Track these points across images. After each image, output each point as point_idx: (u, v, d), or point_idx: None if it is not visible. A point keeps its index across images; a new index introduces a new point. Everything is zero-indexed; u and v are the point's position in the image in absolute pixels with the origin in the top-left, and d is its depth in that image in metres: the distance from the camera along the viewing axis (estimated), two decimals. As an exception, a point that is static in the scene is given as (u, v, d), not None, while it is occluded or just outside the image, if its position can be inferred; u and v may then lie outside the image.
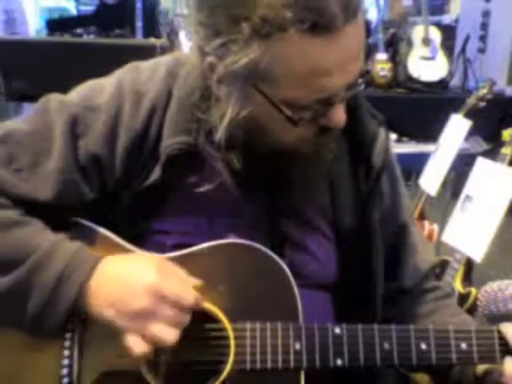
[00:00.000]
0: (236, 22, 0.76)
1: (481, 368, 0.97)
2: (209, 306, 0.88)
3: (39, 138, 0.91)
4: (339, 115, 0.86)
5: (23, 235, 0.86)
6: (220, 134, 0.88)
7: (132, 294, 0.82)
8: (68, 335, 0.87)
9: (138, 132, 0.93)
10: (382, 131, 1.03)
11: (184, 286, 0.84)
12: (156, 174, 0.93)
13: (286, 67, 0.78)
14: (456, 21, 5.15)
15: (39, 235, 0.87)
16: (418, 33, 3.97)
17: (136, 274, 0.84)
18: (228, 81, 0.83)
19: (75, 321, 0.87)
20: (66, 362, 0.86)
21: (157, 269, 0.84)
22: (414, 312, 1.08)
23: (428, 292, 1.11)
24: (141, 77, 0.96)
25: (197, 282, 0.86)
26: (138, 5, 4.28)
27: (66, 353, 0.87)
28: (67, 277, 0.84)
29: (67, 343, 0.87)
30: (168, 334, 0.81)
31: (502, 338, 0.92)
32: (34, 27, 6.53)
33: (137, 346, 0.81)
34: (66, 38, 4.44)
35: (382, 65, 3.93)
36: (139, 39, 4.20)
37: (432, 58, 3.93)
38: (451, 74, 4.13)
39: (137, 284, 0.82)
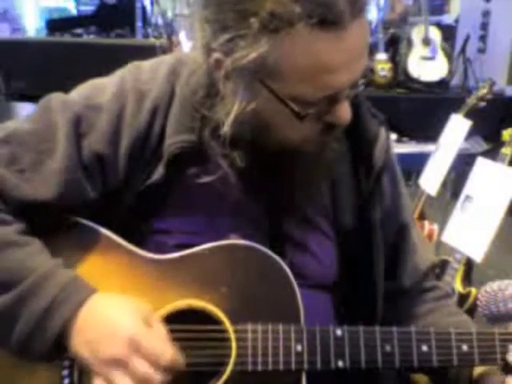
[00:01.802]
0: (244, 17, 0.77)
1: (477, 371, 0.98)
2: (210, 307, 0.88)
3: (42, 137, 0.91)
4: (344, 112, 0.87)
5: (20, 256, 0.85)
6: (226, 130, 0.87)
7: (110, 339, 0.81)
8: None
9: (141, 131, 0.93)
10: (382, 131, 1.03)
11: (164, 344, 0.82)
12: (159, 172, 0.93)
13: (293, 63, 0.79)
14: (456, 21, 5.15)
15: (36, 258, 0.86)
16: (418, 33, 3.97)
17: (120, 320, 0.83)
18: (235, 76, 0.83)
19: None
20: (67, 363, 0.86)
21: (141, 320, 0.83)
22: (412, 311, 1.08)
23: (427, 291, 1.11)
24: (143, 76, 0.96)
25: (175, 348, 0.83)
26: (138, 5, 4.28)
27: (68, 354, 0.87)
28: (56, 308, 0.83)
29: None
30: None
31: (503, 340, 0.92)
32: (33, 27, 6.53)
33: None
34: (66, 38, 4.43)
35: (382, 65, 3.94)
36: (139, 39, 4.20)
37: (432, 58, 3.94)
38: (451, 73, 4.13)
39: (118, 331, 0.81)
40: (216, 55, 0.83)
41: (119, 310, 0.84)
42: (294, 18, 0.75)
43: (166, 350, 0.81)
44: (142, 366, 0.80)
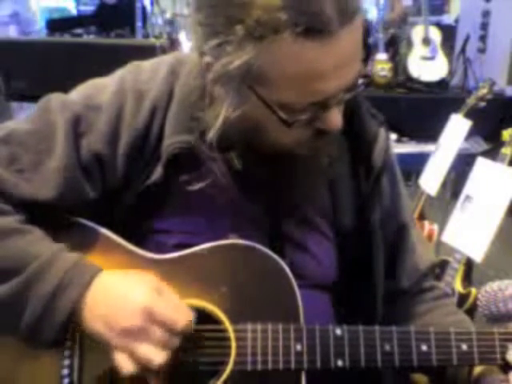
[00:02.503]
0: (232, 23, 0.76)
1: (477, 370, 0.98)
2: (210, 307, 0.89)
3: (41, 137, 0.91)
4: (335, 119, 0.86)
5: (23, 243, 0.86)
6: (212, 134, 0.88)
7: (125, 311, 0.82)
8: (69, 335, 0.87)
9: (140, 131, 0.93)
10: (382, 131, 1.03)
11: (177, 311, 0.83)
12: (157, 173, 0.93)
13: (279, 70, 0.78)
14: (456, 21, 5.16)
15: (39, 244, 0.87)
16: (417, 33, 3.98)
17: (131, 293, 0.83)
18: (223, 81, 0.83)
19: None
20: (66, 362, 0.86)
21: (153, 290, 0.84)
22: (411, 311, 1.08)
23: (426, 291, 1.11)
24: (142, 76, 0.96)
25: (189, 310, 0.85)
26: (138, 5, 4.29)
27: (67, 353, 0.87)
28: (62, 290, 0.83)
29: (68, 343, 0.87)
30: (156, 355, 0.80)
31: (503, 340, 0.92)
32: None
33: (125, 364, 0.81)
34: (66, 38, 4.44)
35: (382, 65, 3.94)
36: (139, 39, 4.21)
37: (432, 58, 3.94)
38: (451, 73, 4.14)
39: (131, 302, 0.82)
40: (206, 59, 0.83)
41: (129, 282, 0.85)
42: (280, 26, 0.74)
43: (178, 316, 0.83)
44: (160, 334, 0.81)
